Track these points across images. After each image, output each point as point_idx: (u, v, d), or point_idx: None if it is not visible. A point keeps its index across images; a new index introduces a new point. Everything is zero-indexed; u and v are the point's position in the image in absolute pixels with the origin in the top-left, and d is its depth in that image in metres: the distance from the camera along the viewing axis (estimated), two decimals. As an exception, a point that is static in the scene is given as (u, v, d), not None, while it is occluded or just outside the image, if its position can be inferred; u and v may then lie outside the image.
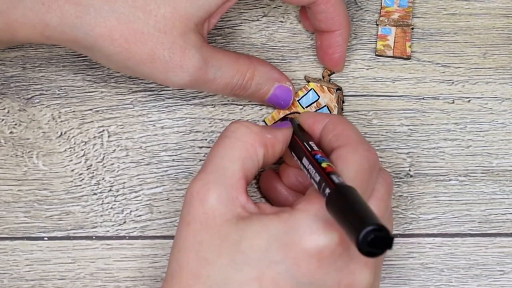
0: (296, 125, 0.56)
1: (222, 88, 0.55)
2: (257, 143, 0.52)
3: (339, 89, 0.60)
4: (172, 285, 0.50)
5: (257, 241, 0.49)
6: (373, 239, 0.43)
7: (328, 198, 0.47)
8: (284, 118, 0.59)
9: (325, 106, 0.60)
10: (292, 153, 0.54)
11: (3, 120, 0.60)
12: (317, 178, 0.49)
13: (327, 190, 0.47)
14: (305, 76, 0.60)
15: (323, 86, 0.60)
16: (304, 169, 0.52)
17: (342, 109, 0.60)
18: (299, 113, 0.59)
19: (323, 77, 0.60)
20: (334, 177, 0.48)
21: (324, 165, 0.50)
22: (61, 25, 0.52)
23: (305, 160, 0.52)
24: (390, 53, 0.60)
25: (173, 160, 0.59)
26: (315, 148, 0.52)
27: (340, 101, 0.60)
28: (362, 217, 0.44)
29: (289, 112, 0.59)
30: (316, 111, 0.59)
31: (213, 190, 0.50)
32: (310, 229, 0.48)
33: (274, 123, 0.59)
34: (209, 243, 0.49)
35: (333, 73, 0.60)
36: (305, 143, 0.53)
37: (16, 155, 0.59)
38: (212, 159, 0.52)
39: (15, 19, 0.52)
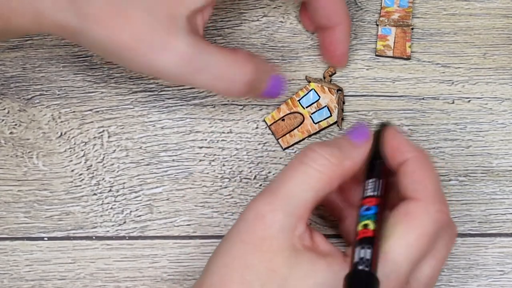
0: (376, 141, 0.52)
1: (214, 81, 0.54)
2: (335, 177, 0.50)
3: (339, 89, 0.60)
4: None
5: (302, 285, 0.48)
6: None
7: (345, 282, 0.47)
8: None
9: (325, 106, 0.60)
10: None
11: (3, 120, 0.60)
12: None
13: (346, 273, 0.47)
14: (306, 76, 0.60)
15: (324, 87, 0.60)
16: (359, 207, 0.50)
17: (343, 110, 0.60)
18: (299, 113, 0.59)
19: (324, 77, 0.60)
20: (360, 267, 0.47)
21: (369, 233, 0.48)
22: (53, 11, 0.51)
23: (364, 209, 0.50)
24: (390, 53, 0.60)
25: (173, 160, 0.59)
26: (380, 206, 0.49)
27: (341, 102, 0.60)
28: None
29: (289, 112, 0.59)
30: (316, 111, 0.59)
31: (278, 217, 0.49)
32: None
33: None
34: (257, 268, 0.49)
35: (334, 73, 0.60)
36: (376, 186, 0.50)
37: (16, 156, 0.59)
38: (285, 183, 0.50)
39: (8, 6, 0.51)
